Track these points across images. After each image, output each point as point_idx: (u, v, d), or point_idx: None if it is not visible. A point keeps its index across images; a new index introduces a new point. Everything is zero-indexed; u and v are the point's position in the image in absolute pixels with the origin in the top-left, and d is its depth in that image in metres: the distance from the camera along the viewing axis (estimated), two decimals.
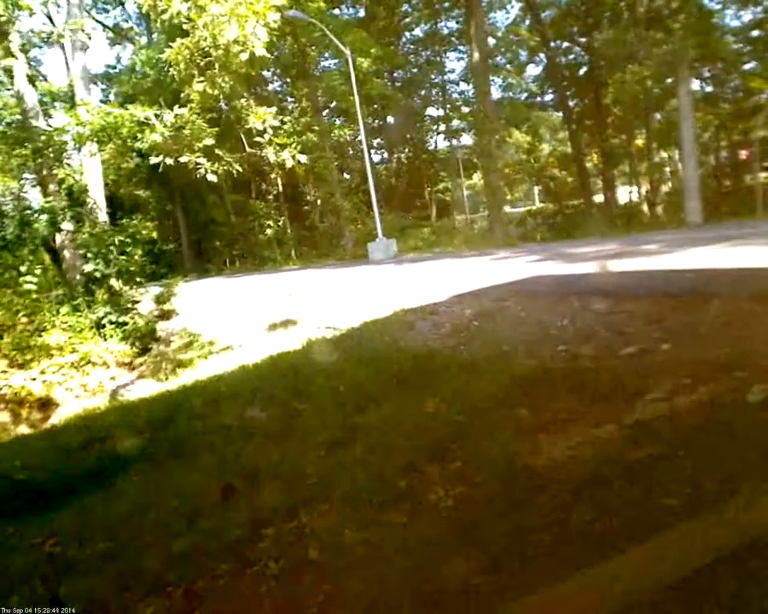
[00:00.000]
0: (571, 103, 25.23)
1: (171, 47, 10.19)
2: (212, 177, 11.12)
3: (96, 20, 26.86)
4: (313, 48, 23.47)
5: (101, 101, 15.90)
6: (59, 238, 12.88)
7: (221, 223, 28.12)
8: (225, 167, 11.32)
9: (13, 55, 11.87)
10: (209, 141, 10.66)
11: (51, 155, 12.10)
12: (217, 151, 11.02)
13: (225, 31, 8.91)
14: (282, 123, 18.73)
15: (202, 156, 10.80)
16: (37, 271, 10.96)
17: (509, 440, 2.63)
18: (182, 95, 11.05)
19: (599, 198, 25.99)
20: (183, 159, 10.58)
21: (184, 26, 9.55)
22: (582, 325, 4.59)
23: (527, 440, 2.62)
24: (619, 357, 3.59)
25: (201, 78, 10.37)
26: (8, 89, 16.06)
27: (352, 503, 2.41)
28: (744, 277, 5.27)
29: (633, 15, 19.08)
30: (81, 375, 9.39)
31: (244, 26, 8.85)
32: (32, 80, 13.49)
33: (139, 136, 10.92)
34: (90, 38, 12.26)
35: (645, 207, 22.84)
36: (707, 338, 3.63)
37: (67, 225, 11.33)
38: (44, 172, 12.82)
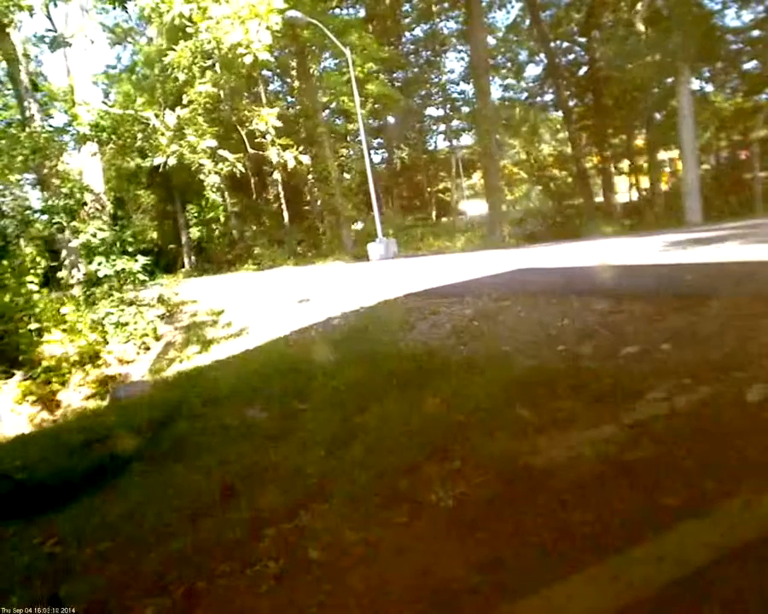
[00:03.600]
0: (571, 103, 25.20)
1: (173, 49, 10.19)
2: (215, 178, 11.14)
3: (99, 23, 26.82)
4: (313, 48, 23.45)
5: (102, 102, 15.88)
6: (59, 238, 12.88)
7: (221, 223, 28.11)
8: (229, 168, 11.32)
9: (14, 59, 11.87)
10: (212, 143, 10.66)
11: (51, 155, 12.09)
12: (220, 152, 11.02)
13: (229, 34, 8.89)
14: (293, 123, 18.71)
15: (205, 157, 10.81)
16: (38, 271, 10.96)
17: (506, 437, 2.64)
18: (184, 95, 11.05)
19: (599, 198, 25.99)
20: (186, 161, 10.59)
21: (187, 30, 9.54)
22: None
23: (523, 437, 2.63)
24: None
25: (204, 79, 10.38)
26: (9, 89, 16.06)
27: (352, 503, 2.41)
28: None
29: (633, 15, 19.07)
30: (82, 375, 9.40)
31: (248, 30, 8.83)
32: (32, 81, 13.49)
33: (140, 136, 10.93)
34: (93, 42, 12.24)
35: (645, 207, 22.82)
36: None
37: (66, 225, 11.32)
38: (45, 172, 12.82)
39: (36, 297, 10.33)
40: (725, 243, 8.06)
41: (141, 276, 10.93)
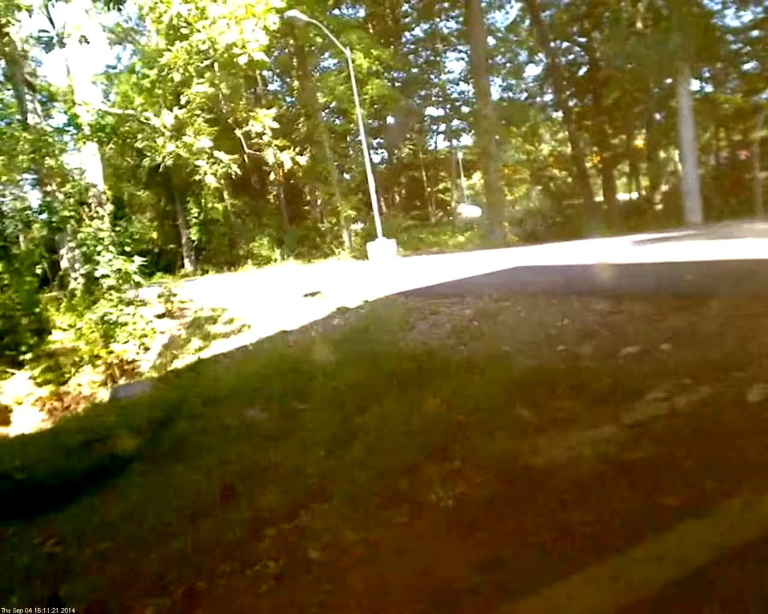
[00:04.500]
0: (571, 103, 25.20)
1: (170, 50, 10.18)
2: (211, 179, 11.14)
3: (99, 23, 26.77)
4: (313, 48, 23.46)
5: (102, 102, 15.86)
6: (59, 238, 12.88)
7: (221, 223, 28.12)
8: (224, 169, 11.31)
9: (14, 58, 11.86)
10: (207, 143, 10.66)
11: (51, 155, 12.08)
12: (216, 153, 11.02)
13: (224, 34, 8.90)
14: (293, 123, 18.67)
15: (202, 158, 10.81)
16: (38, 271, 10.96)
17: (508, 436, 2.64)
18: (181, 95, 11.05)
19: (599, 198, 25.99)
20: (182, 161, 10.59)
21: (183, 30, 9.54)
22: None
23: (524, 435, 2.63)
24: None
25: (201, 80, 10.38)
26: (9, 90, 16.07)
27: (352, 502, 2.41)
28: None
29: (633, 15, 19.06)
30: (82, 375, 9.40)
31: (243, 30, 8.83)
32: (31, 82, 13.49)
33: (139, 136, 10.93)
34: (88, 43, 12.17)
35: (645, 207, 22.82)
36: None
37: (67, 225, 11.32)
38: (44, 172, 12.81)
39: (36, 296, 10.33)
40: (719, 240, 8.48)
41: (136, 277, 10.87)
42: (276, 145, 11.56)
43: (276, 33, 10.28)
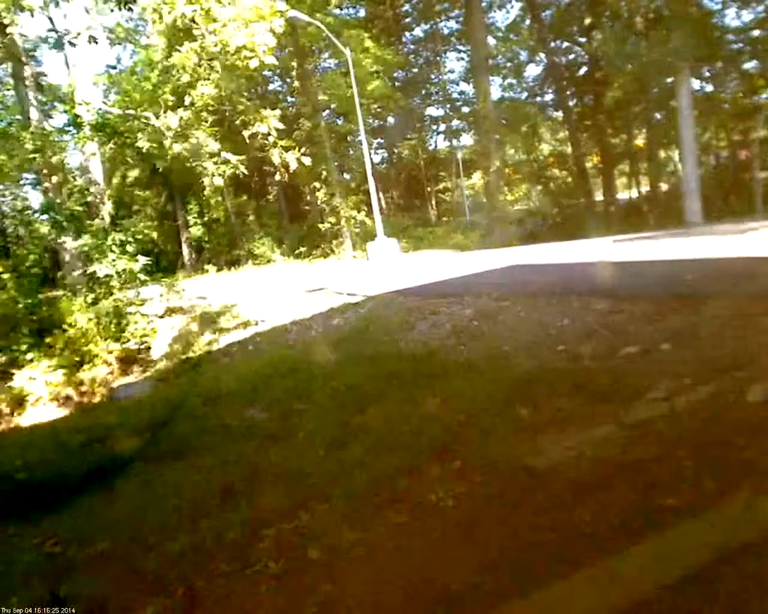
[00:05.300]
0: (571, 103, 25.20)
1: (178, 50, 10.15)
2: (218, 180, 11.12)
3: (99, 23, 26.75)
4: (313, 48, 23.46)
5: (102, 102, 15.83)
6: (60, 237, 12.86)
7: (221, 223, 28.13)
8: (231, 170, 11.30)
9: (15, 57, 11.85)
10: (215, 145, 10.66)
11: (51, 155, 12.07)
12: (223, 154, 11.00)
13: (234, 37, 8.86)
14: (293, 123, 18.71)
15: (208, 159, 10.81)
16: (39, 270, 10.94)
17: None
18: (186, 97, 11.04)
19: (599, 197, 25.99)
20: (189, 163, 10.58)
21: (194, 31, 9.51)
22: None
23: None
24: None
25: (207, 82, 10.36)
26: (9, 90, 16.07)
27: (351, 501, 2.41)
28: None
29: (633, 15, 19.05)
30: (82, 374, 9.40)
31: (253, 33, 8.80)
32: (37, 81, 13.48)
33: (140, 136, 10.92)
34: (96, 42, 12.17)
35: (645, 207, 22.83)
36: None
37: (68, 225, 11.30)
38: (45, 172, 12.80)
39: (37, 296, 10.33)
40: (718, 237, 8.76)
41: (141, 276, 10.88)
42: (281, 146, 11.53)
43: (282, 36, 10.27)
